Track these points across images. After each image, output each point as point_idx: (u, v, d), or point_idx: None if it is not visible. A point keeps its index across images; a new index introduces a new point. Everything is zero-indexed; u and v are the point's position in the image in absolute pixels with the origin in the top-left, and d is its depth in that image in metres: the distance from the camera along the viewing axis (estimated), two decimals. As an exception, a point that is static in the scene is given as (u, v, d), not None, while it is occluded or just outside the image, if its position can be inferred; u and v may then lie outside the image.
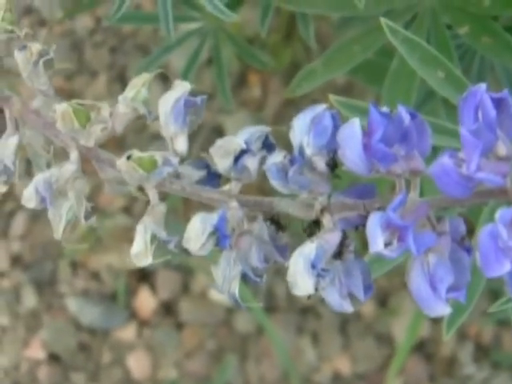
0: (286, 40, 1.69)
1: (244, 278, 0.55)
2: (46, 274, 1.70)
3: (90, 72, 1.79)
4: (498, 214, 0.47)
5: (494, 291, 1.56)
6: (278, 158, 0.52)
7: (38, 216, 1.69)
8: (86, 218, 0.59)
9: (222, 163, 0.54)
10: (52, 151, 0.63)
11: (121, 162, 0.53)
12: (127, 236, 1.70)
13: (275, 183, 0.52)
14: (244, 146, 0.53)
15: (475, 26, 0.91)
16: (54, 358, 1.67)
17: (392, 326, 1.69)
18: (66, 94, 1.76)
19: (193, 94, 0.59)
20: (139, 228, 0.55)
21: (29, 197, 0.56)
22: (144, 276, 1.71)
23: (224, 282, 0.55)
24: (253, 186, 0.67)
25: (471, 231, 0.66)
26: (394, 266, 0.78)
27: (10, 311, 1.69)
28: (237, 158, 0.54)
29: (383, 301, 1.71)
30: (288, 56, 1.70)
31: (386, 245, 0.48)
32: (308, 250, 0.51)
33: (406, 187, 0.55)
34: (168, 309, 1.70)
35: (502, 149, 0.52)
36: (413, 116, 0.54)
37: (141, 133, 1.70)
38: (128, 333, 1.68)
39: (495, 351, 1.68)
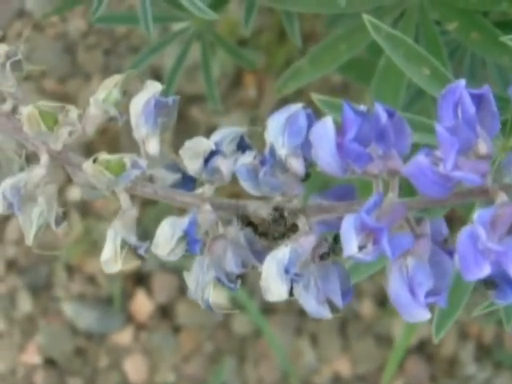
0: (279, 39, 1.68)
1: (218, 283, 0.53)
2: (42, 279, 1.69)
3: (83, 75, 1.78)
4: (476, 215, 0.45)
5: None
6: (247, 158, 0.50)
7: (32, 220, 1.68)
8: (57, 223, 0.57)
9: (191, 165, 0.52)
10: (24, 156, 0.62)
11: (87, 165, 0.52)
12: (123, 239, 1.69)
13: (245, 185, 0.50)
14: (213, 148, 0.51)
15: (464, 21, 0.89)
16: (50, 362, 1.66)
17: (392, 327, 1.68)
18: (58, 98, 1.74)
19: (165, 95, 0.58)
20: (109, 233, 0.53)
21: (-4, 202, 0.54)
22: (140, 279, 1.70)
23: (197, 288, 0.53)
24: (230, 191, 0.65)
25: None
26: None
27: (6, 316, 1.67)
28: (207, 160, 0.52)
29: (383, 301, 1.69)
30: (282, 55, 1.68)
31: (361, 248, 0.46)
32: (281, 254, 0.49)
33: (385, 188, 0.53)
34: (165, 312, 1.68)
35: (482, 147, 0.50)
36: (390, 114, 0.52)
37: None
38: (125, 336, 1.67)
39: (497, 351, 1.66)
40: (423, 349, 1.69)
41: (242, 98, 1.76)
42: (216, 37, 1.11)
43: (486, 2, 0.87)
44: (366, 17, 0.73)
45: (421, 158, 0.46)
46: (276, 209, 0.52)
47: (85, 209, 1.70)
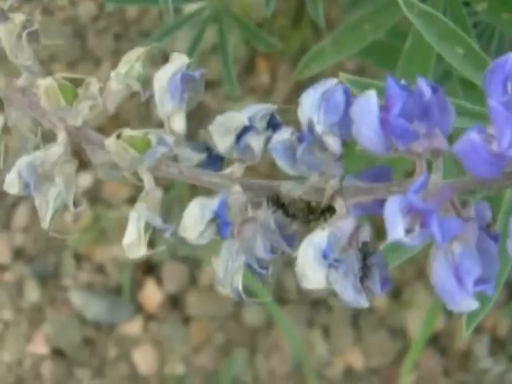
0: (294, 24, 1.64)
1: (249, 269, 0.50)
2: (50, 267, 1.66)
3: (93, 59, 1.75)
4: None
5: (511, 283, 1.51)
6: (284, 135, 0.47)
7: (40, 207, 1.64)
8: (76, 204, 0.53)
9: (222, 142, 0.49)
10: (40, 134, 0.58)
11: (110, 142, 0.48)
12: (132, 227, 1.66)
13: (282, 163, 0.47)
14: (247, 123, 0.48)
15: (494, 2, 0.85)
16: (57, 353, 1.63)
17: (405, 319, 1.65)
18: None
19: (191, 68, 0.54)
20: (132, 215, 0.50)
21: (11, 182, 0.51)
22: (150, 268, 1.67)
23: (226, 274, 0.49)
24: (257, 171, 0.62)
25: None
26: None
27: (13, 305, 1.65)
28: (239, 137, 0.48)
29: (396, 293, 1.66)
30: (297, 40, 1.65)
31: (407, 232, 0.42)
32: (318, 238, 0.46)
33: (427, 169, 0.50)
34: (175, 302, 1.66)
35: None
36: (434, 90, 0.49)
37: (145, 120, 1.66)
38: (134, 327, 1.64)
39: (512, 344, 1.63)
40: (437, 342, 1.66)
41: (254, 84, 1.73)
42: (234, 17, 1.07)
43: (518, -20, 0.84)
44: (397, -8, 0.69)
45: (473, 135, 0.42)
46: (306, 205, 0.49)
47: (93, 196, 1.67)
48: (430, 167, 0.50)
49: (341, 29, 0.90)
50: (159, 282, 1.66)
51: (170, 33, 1.12)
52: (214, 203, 0.47)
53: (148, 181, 0.51)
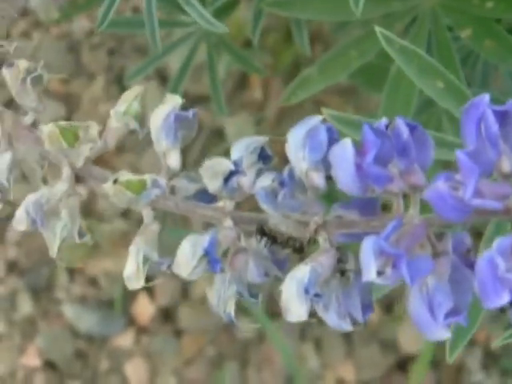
0: (286, 40, 1.67)
1: (240, 297, 0.53)
2: (43, 280, 1.68)
3: (87, 74, 1.77)
4: (495, 243, 0.45)
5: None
6: (266, 181, 0.50)
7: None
8: (80, 235, 0.57)
9: (211, 184, 0.52)
10: (46, 166, 0.61)
11: (107, 186, 0.52)
12: (125, 241, 1.68)
13: (265, 207, 0.50)
14: (233, 168, 0.52)
15: (478, 28, 0.88)
16: (50, 365, 1.65)
17: (397, 333, 1.65)
18: (62, 98, 1.73)
19: (185, 107, 0.58)
20: (132, 249, 0.54)
21: (19, 219, 0.55)
22: (142, 282, 1.68)
23: (219, 302, 0.53)
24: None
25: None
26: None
27: (6, 318, 1.66)
28: (226, 179, 0.52)
29: (388, 307, 1.67)
30: (289, 56, 1.67)
31: (379, 273, 0.46)
32: (301, 274, 0.49)
33: (407, 201, 0.53)
34: (167, 315, 1.68)
35: (506, 165, 0.50)
36: (412, 128, 0.52)
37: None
38: (126, 340, 1.66)
39: (504, 358, 1.63)
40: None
41: (247, 99, 1.75)
42: (222, 42, 1.10)
43: (500, 8, 0.86)
44: (378, 28, 0.72)
45: (440, 184, 0.46)
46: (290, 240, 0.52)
47: (86, 210, 1.69)
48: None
49: (327, 56, 0.93)
50: (151, 295, 1.68)
51: (163, 56, 1.15)
52: (204, 240, 0.50)
53: (147, 215, 0.55)
